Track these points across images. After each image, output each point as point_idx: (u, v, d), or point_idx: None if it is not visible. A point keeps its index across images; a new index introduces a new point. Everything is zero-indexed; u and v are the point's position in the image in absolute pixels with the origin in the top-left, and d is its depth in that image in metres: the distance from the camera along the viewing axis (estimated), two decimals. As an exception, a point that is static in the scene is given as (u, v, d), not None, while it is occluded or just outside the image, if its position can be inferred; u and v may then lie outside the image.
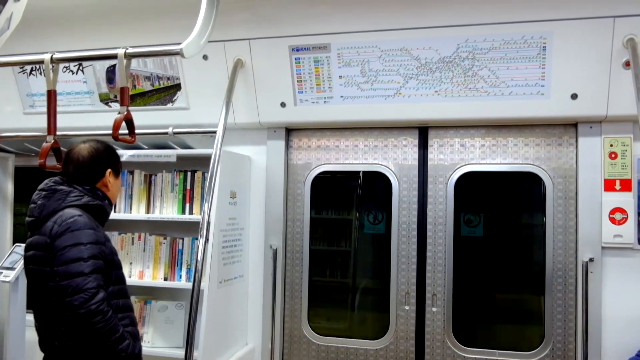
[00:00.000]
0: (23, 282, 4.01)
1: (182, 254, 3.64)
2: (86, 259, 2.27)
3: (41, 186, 2.51)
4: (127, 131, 2.72)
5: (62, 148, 2.81)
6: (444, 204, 3.57)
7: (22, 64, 3.57)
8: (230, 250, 3.52)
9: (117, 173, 2.66)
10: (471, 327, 3.63)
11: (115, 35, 3.52)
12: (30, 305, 2.52)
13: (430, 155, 3.64)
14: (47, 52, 2.77)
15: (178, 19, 3.19)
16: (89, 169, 2.54)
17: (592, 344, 3.20)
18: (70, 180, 2.53)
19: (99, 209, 2.51)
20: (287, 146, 3.85)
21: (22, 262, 3.56)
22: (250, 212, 3.82)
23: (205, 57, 3.53)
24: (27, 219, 2.50)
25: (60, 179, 2.52)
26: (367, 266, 4.07)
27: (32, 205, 2.48)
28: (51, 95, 2.73)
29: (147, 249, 3.69)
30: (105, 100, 3.89)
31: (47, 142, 2.74)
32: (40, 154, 2.70)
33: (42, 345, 2.46)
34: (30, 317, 4.13)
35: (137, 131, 2.76)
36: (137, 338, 2.48)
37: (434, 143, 3.64)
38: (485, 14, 3.10)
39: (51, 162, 2.76)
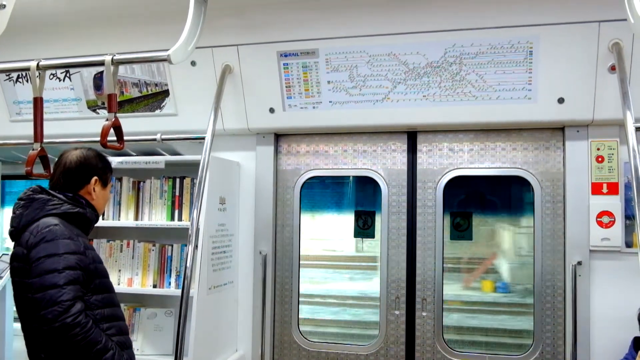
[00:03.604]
0: (11, 291, 3.98)
1: (171, 260, 3.62)
2: (61, 270, 2.21)
3: (20, 195, 2.46)
4: (115, 138, 2.70)
5: (49, 155, 2.79)
6: (433, 208, 3.58)
7: (8, 71, 3.55)
8: (219, 257, 3.51)
9: (104, 183, 2.61)
10: (461, 331, 3.63)
11: (103, 41, 3.51)
12: (18, 317, 2.47)
13: (419, 160, 3.65)
14: (33, 59, 2.75)
15: (166, 25, 3.18)
16: (74, 174, 2.51)
17: (581, 346, 3.21)
18: (54, 186, 2.50)
19: (81, 217, 2.46)
20: (276, 152, 3.84)
21: (9, 271, 3.53)
22: (240, 218, 3.81)
23: (193, 63, 3.52)
24: (9, 229, 2.46)
25: (39, 188, 2.46)
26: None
27: (12, 215, 2.44)
28: (38, 103, 2.71)
29: (136, 256, 3.66)
30: (92, 107, 3.87)
31: (33, 149, 2.72)
32: (27, 162, 2.67)
33: (31, 356, 2.42)
34: (17, 326, 4.12)
35: (125, 138, 2.74)
36: (126, 347, 2.44)
37: (422, 147, 3.65)
38: (472, 19, 3.12)
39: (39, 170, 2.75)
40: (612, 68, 3.00)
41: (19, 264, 2.34)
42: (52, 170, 2.65)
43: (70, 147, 2.62)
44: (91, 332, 2.21)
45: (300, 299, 3.79)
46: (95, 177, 2.55)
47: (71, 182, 2.51)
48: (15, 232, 2.41)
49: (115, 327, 2.41)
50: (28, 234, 2.32)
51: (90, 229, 2.56)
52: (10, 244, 4.20)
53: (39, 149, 2.73)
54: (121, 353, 2.36)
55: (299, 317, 3.80)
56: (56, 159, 2.57)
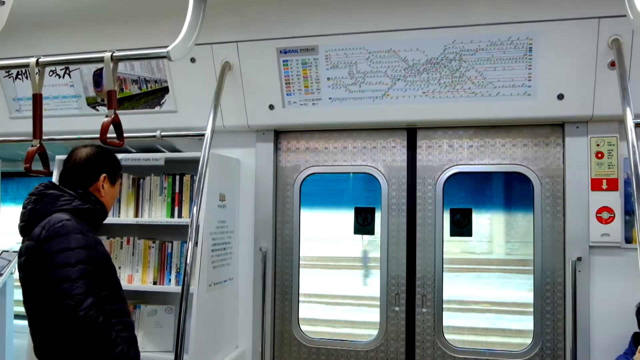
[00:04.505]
0: (11, 288, 3.98)
1: (171, 257, 3.62)
2: (74, 264, 2.24)
3: (31, 191, 2.49)
4: (115, 135, 2.70)
5: (48, 152, 2.79)
6: (432, 204, 3.58)
7: (7, 67, 3.53)
8: (219, 253, 3.51)
9: (113, 180, 2.64)
10: (461, 327, 3.64)
11: (102, 38, 3.51)
12: (25, 312, 2.49)
13: (418, 157, 3.65)
14: (32, 56, 2.74)
15: (165, 22, 3.18)
16: (83, 171, 2.54)
17: (581, 342, 3.21)
18: (64, 182, 2.53)
19: (91, 214, 2.48)
20: (276, 148, 3.84)
21: (9, 268, 3.54)
22: (240, 215, 3.81)
23: (192, 60, 3.52)
24: (19, 224, 2.48)
25: (50, 183, 2.50)
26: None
27: (23, 210, 2.47)
28: (37, 99, 2.70)
29: (136, 253, 3.67)
30: (92, 103, 3.87)
31: (32, 146, 2.71)
32: (26, 159, 2.67)
33: (37, 352, 2.43)
34: (17, 323, 4.13)
35: (125, 134, 2.74)
36: (132, 343, 2.46)
37: (422, 144, 3.65)
38: (472, 15, 3.11)
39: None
40: (612, 64, 3.00)
41: (29, 258, 2.36)
42: (50, 168, 2.67)
43: (69, 144, 2.63)
44: (102, 326, 2.23)
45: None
46: (104, 174, 2.58)
47: (80, 178, 2.54)
48: (26, 227, 2.43)
49: (122, 323, 2.43)
50: (39, 228, 2.33)
51: (99, 226, 2.58)
52: (6, 243, 4.21)
53: (38, 145, 2.72)
54: (129, 349, 2.38)
55: (299, 316, 3.80)
56: (56, 156, 2.58)
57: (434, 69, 3.27)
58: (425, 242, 3.58)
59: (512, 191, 3.78)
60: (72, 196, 2.45)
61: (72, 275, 2.22)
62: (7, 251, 3.96)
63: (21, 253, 2.43)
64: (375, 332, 3.66)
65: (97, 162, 2.58)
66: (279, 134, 3.86)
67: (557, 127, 3.43)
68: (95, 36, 3.55)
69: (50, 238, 2.28)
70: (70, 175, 2.55)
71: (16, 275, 3.92)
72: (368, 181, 3.78)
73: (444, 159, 3.60)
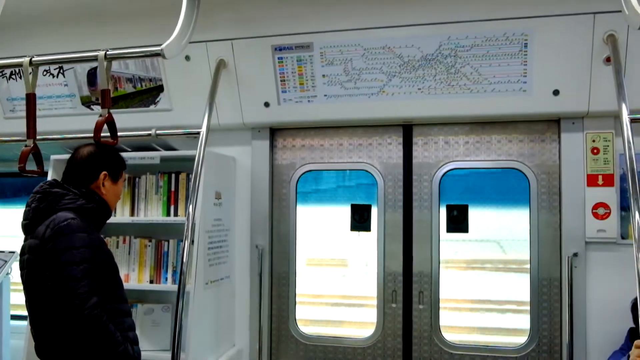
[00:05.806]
0: (7, 289, 3.97)
1: (167, 256, 3.62)
2: (78, 263, 2.24)
3: (36, 189, 2.50)
4: (109, 134, 2.69)
5: (43, 152, 2.78)
6: (429, 201, 3.58)
7: (0, 67, 3.52)
8: (216, 252, 3.50)
9: (115, 178, 2.65)
10: (457, 324, 3.64)
11: (96, 37, 3.48)
12: (27, 310, 2.49)
13: (414, 153, 3.64)
14: (26, 56, 2.73)
15: (159, 20, 3.16)
16: (83, 169, 2.56)
17: (578, 338, 3.22)
18: (67, 181, 2.53)
19: (95, 213, 2.49)
20: (272, 146, 3.83)
21: (5, 268, 3.52)
22: (236, 213, 3.80)
23: (187, 58, 3.50)
24: (22, 222, 2.48)
25: (55, 181, 2.51)
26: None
27: (27, 208, 2.47)
28: (30, 99, 2.69)
29: (132, 252, 3.66)
30: (86, 103, 3.85)
31: (26, 146, 2.71)
32: (20, 158, 2.66)
33: (39, 350, 2.43)
34: (14, 323, 4.12)
35: (119, 133, 2.73)
36: (134, 343, 2.48)
37: (418, 141, 3.64)
38: (467, 11, 3.10)
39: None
40: (607, 60, 2.99)
41: (33, 256, 2.36)
42: (44, 168, 2.67)
43: (63, 144, 2.63)
44: (106, 325, 2.25)
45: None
46: (104, 172, 2.59)
47: (81, 176, 2.56)
48: (30, 225, 2.43)
49: (125, 323, 2.45)
50: (44, 227, 2.34)
51: (102, 225, 2.58)
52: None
53: (32, 145, 2.72)
54: (131, 349, 2.39)
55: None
56: (51, 156, 2.58)
57: (429, 65, 3.26)
58: (422, 239, 3.58)
59: (508, 187, 3.77)
60: (77, 195, 2.46)
61: (76, 274, 2.23)
62: (3, 252, 3.95)
63: (24, 251, 2.43)
64: (370, 332, 3.66)
65: (97, 160, 2.59)
66: (275, 132, 3.85)
67: (553, 123, 3.43)
68: (89, 35, 3.52)
69: (55, 236, 2.29)
70: (73, 173, 2.57)
71: (13, 275, 3.91)
72: (364, 178, 3.78)
73: (440, 155, 3.60)
